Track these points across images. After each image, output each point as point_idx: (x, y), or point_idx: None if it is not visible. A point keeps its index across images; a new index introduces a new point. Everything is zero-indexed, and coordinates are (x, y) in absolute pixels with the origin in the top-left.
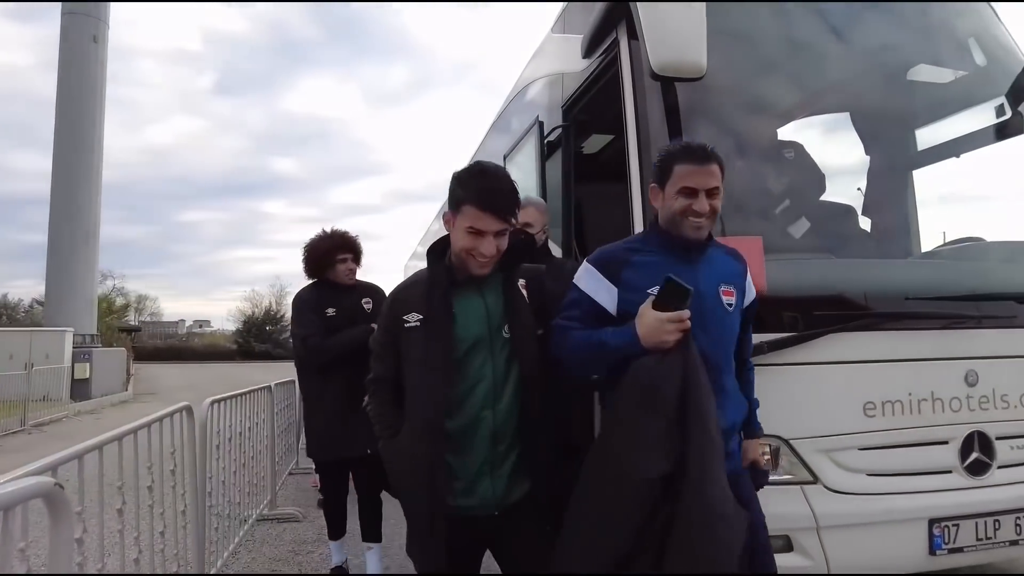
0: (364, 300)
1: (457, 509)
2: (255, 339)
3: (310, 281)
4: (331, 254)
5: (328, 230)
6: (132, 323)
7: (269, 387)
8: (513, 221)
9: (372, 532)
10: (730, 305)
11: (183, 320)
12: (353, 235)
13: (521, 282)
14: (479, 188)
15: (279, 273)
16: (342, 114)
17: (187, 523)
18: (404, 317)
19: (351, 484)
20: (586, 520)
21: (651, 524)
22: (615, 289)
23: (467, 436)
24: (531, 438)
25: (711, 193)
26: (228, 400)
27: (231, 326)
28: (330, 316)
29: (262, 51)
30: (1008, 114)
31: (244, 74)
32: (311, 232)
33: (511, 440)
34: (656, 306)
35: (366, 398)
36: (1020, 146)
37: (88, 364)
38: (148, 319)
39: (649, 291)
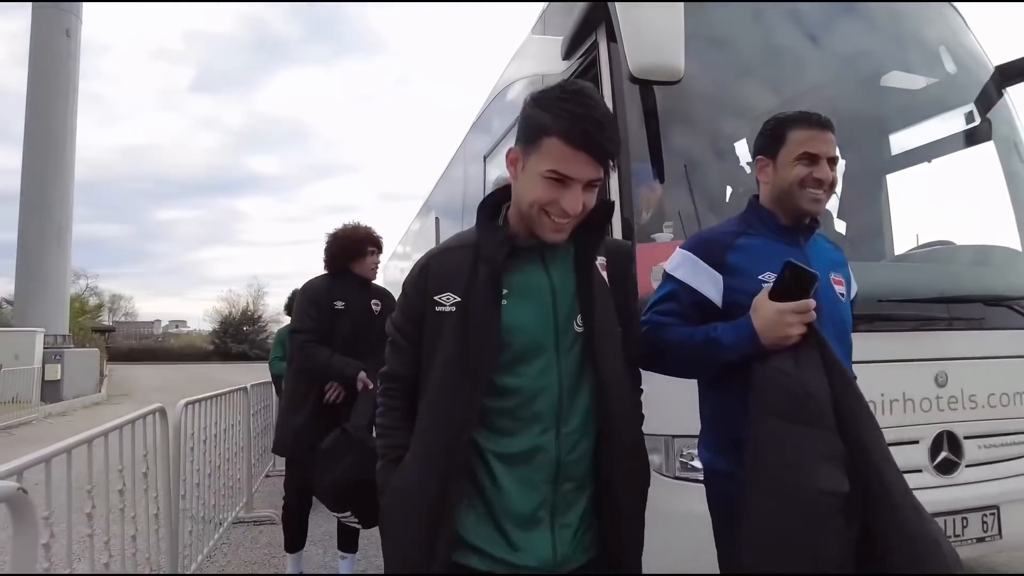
0: (374, 301)
1: (496, 567)
2: (232, 340)
3: (323, 273)
4: (363, 245)
5: (354, 223)
6: (106, 323)
7: (245, 388)
8: (611, 168)
9: (349, 541)
10: (842, 295)
11: (159, 320)
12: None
13: (601, 260)
14: (573, 115)
15: (256, 273)
16: (321, 112)
17: (159, 526)
18: (436, 297)
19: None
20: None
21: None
22: (719, 276)
23: (519, 469)
24: (612, 474)
25: (832, 163)
26: (203, 401)
27: (208, 326)
28: (338, 309)
29: (241, 48)
30: (977, 121)
31: (222, 71)
32: (289, 231)
33: (583, 477)
34: (774, 295)
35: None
36: (988, 152)
37: (59, 365)
38: (123, 319)
39: (761, 278)
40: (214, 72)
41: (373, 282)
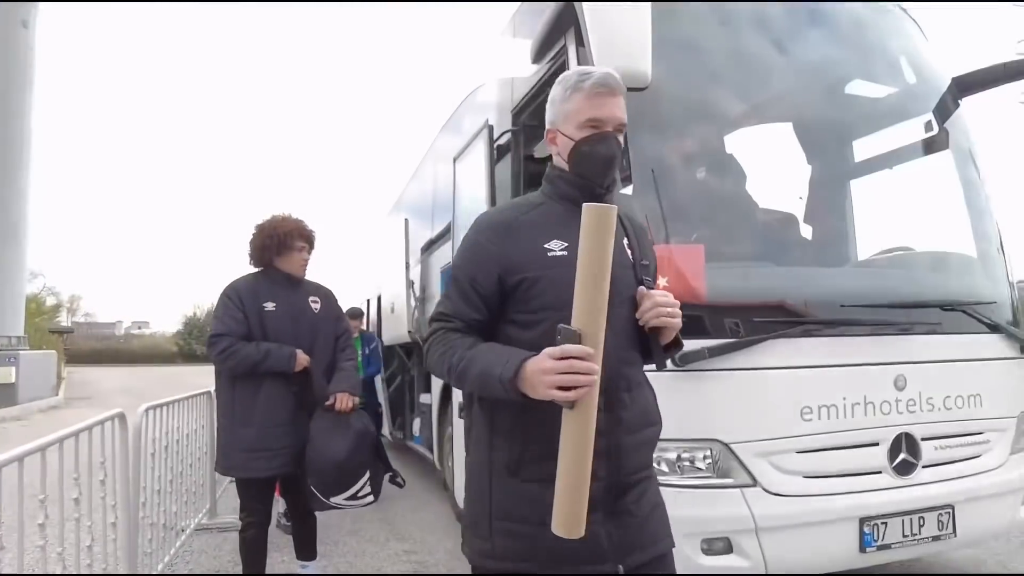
0: (312, 299)
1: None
2: (197, 341)
3: (253, 271)
4: (290, 239)
5: (282, 214)
6: (64, 324)
7: (209, 392)
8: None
9: (308, 550)
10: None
11: (120, 321)
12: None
13: None
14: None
15: (225, 273)
16: (286, 112)
17: (117, 535)
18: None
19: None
20: None
21: None
22: None
23: None
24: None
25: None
26: (165, 406)
27: (172, 327)
28: (269, 311)
29: (203, 40)
30: (935, 130)
31: (187, 64)
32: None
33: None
34: None
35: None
36: (945, 160)
37: (14, 368)
38: (82, 320)
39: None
40: (179, 64)
41: (307, 279)
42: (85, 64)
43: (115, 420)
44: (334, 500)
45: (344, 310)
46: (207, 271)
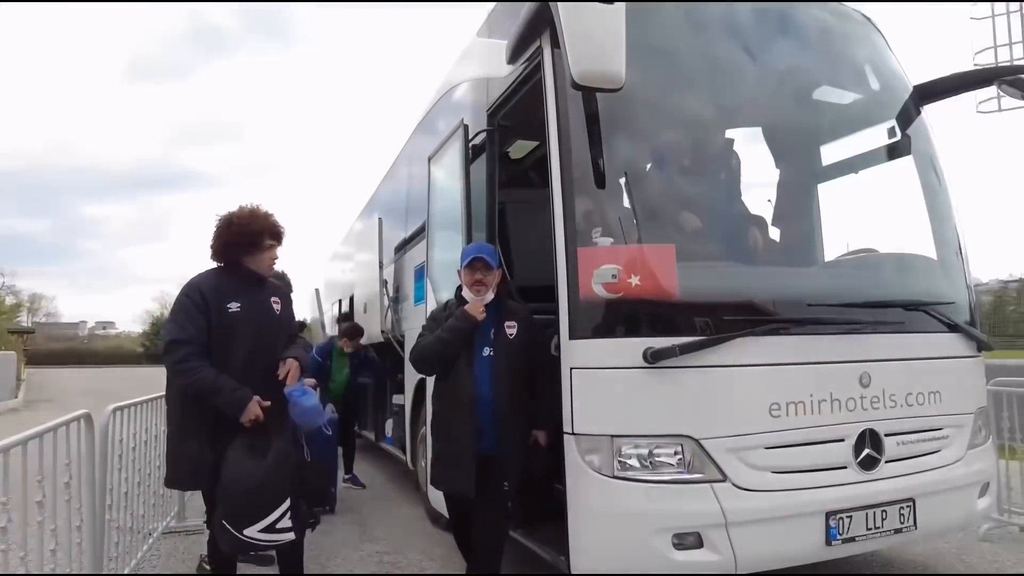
0: (273, 299)
1: None
2: None
3: (214, 266)
4: (259, 236)
5: (251, 207)
6: (25, 324)
7: None
8: None
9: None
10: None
11: (84, 321)
12: (278, 219)
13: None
14: None
15: (190, 273)
16: (260, 108)
17: (82, 539)
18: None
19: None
20: None
21: None
22: None
23: None
24: None
25: None
26: (133, 407)
27: (138, 328)
28: (232, 312)
29: (176, 38)
30: (898, 136)
31: (157, 62)
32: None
33: None
34: None
35: None
36: (907, 165)
37: None
38: (43, 320)
39: None
40: (147, 62)
41: (271, 281)
42: (48, 48)
43: (81, 421)
44: (247, 533)
45: (345, 326)
46: (176, 270)
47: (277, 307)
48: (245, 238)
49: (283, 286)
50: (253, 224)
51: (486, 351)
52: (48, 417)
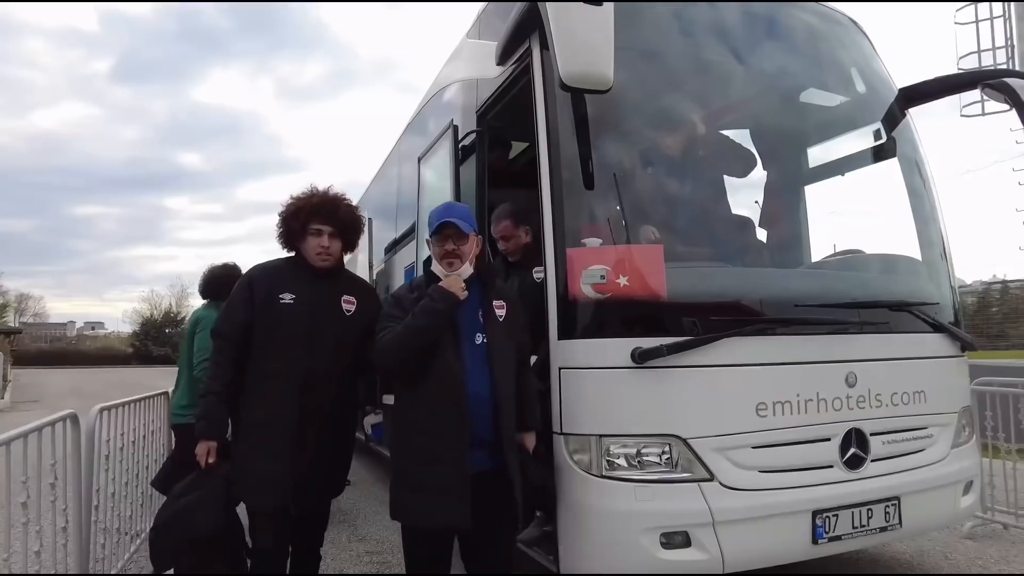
0: (345, 298)
1: None
2: (153, 342)
3: (286, 255)
4: (303, 219)
5: (315, 187)
6: (12, 324)
7: (167, 393)
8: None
9: None
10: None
11: (72, 322)
12: (348, 202)
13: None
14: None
15: (180, 273)
16: (254, 108)
17: (68, 541)
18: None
19: None
20: None
21: None
22: None
23: None
24: None
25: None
26: (120, 407)
27: (127, 328)
28: (284, 304)
29: (167, 37)
30: (883, 138)
31: (146, 60)
32: (218, 230)
33: None
34: None
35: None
36: (892, 167)
37: None
38: (31, 320)
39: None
40: (138, 60)
41: (350, 271)
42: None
43: (67, 421)
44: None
45: None
46: (166, 270)
47: (349, 307)
48: (289, 222)
49: (368, 285)
50: (297, 204)
51: (479, 338)
52: (34, 418)
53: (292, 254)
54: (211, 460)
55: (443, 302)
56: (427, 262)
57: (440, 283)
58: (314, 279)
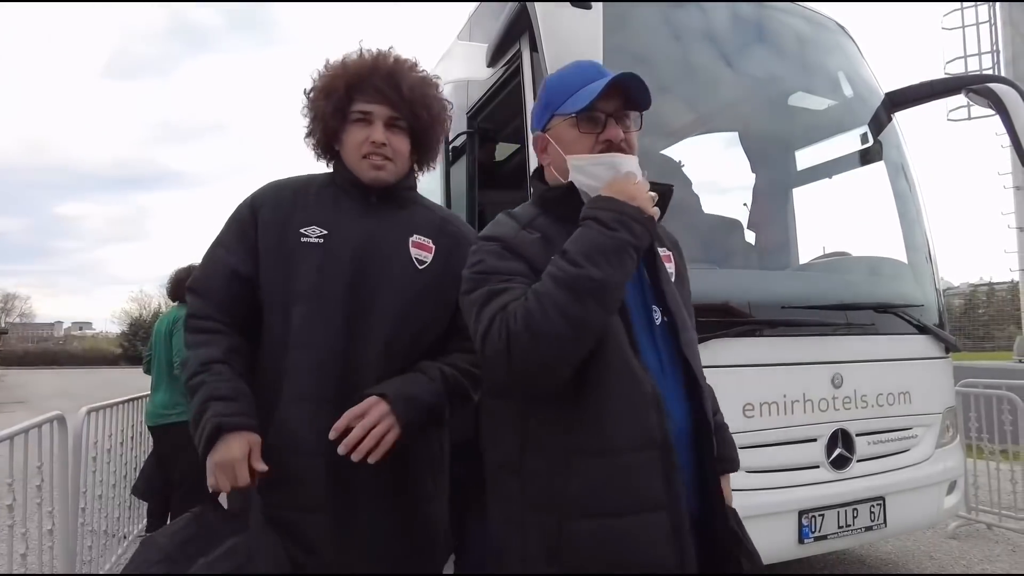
0: (416, 238)
1: None
2: (142, 343)
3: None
4: (341, 98)
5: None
6: None
7: None
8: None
9: None
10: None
11: (60, 322)
12: (422, 74)
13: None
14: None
15: (169, 272)
16: (240, 106)
17: (54, 543)
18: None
19: None
20: None
21: None
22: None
23: None
24: None
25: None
26: (108, 408)
27: (115, 328)
28: (309, 244)
29: (158, 36)
30: (870, 142)
31: (137, 59)
32: (207, 229)
33: None
34: None
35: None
36: (879, 171)
37: None
38: (17, 320)
39: None
40: (126, 59)
41: (422, 203)
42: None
43: (53, 423)
44: None
45: None
46: (155, 270)
47: (423, 256)
48: (319, 104)
49: (462, 225)
50: (332, 72)
51: (656, 314)
52: (21, 419)
53: (329, 170)
54: (256, 466)
55: (638, 225)
56: (538, 171)
57: (607, 193)
58: (363, 204)
